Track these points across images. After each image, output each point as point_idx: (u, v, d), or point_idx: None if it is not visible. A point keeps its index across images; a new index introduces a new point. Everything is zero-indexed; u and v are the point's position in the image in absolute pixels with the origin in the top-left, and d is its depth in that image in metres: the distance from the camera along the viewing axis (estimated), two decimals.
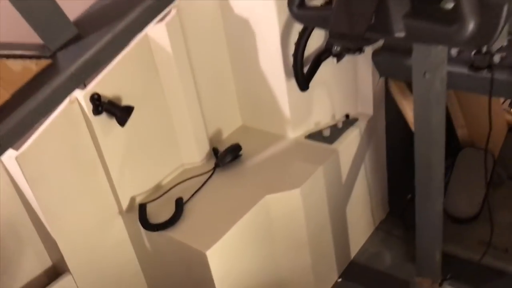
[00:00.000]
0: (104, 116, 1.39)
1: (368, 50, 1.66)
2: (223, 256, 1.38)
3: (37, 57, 1.10)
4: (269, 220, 1.51)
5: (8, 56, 1.10)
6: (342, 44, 1.27)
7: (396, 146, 1.94)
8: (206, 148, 1.70)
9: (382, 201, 2.00)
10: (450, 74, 1.23)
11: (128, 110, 1.37)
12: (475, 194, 1.90)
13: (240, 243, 1.43)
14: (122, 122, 1.37)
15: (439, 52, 1.17)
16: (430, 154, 1.33)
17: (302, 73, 1.51)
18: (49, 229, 1.38)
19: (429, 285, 1.60)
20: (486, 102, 1.98)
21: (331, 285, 1.79)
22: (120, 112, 1.36)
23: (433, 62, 1.18)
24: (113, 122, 1.41)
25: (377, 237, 1.97)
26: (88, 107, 1.36)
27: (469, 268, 1.71)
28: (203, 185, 1.59)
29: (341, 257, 1.81)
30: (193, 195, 1.55)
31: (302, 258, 1.61)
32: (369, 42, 1.11)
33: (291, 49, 1.53)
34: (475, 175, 1.94)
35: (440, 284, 1.64)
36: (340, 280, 1.81)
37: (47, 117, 1.31)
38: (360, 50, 1.31)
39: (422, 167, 1.37)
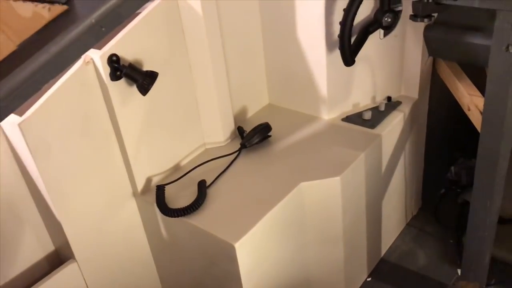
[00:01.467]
0: (122, 82, 1.20)
1: (420, 25, 1.47)
2: (252, 249, 1.21)
3: (51, 2, 0.91)
4: (303, 210, 1.33)
5: None
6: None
7: (435, 136, 1.77)
8: (231, 126, 1.52)
9: (416, 195, 1.83)
10: None
11: (152, 76, 1.18)
12: None
13: (270, 235, 1.26)
14: (144, 90, 1.18)
15: None
16: (498, 144, 1.15)
17: (350, 45, 1.32)
18: (53, 209, 1.20)
19: None
20: None
21: (360, 285, 1.62)
22: (142, 78, 1.17)
23: None
24: (133, 89, 1.22)
25: (409, 234, 1.81)
26: (105, 70, 1.16)
27: None
28: (228, 167, 1.41)
29: (372, 254, 1.64)
30: (217, 178, 1.37)
31: (335, 253, 1.44)
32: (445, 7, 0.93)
33: (337, 16, 1.34)
34: None
35: None
36: (369, 279, 1.64)
37: (57, 78, 1.11)
38: (430, 16, 1.12)
39: (485, 160, 1.19)
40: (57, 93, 1.12)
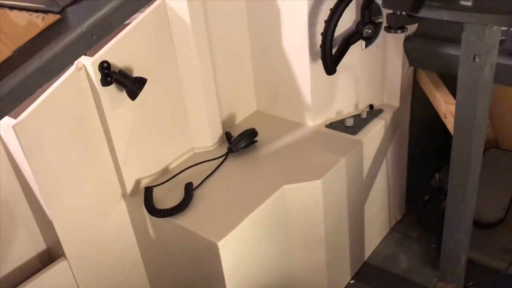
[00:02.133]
0: (113, 87, 1.26)
1: (400, 36, 1.54)
2: (235, 248, 1.26)
3: (44, 11, 0.98)
4: (285, 212, 1.39)
5: (11, 7, 0.97)
6: (395, 8, 1.14)
7: (418, 143, 1.83)
8: (219, 131, 1.58)
9: (399, 201, 1.88)
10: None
11: (141, 82, 1.24)
12: (500, 198, 1.79)
13: (254, 235, 1.31)
14: (133, 95, 1.24)
15: (494, 33, 1.05)
16: (469, 149, 1.21)
17: (331, 54, 1.38)
18: (45, 208, 1.25)
19: None
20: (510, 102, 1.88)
21: (343, 286, 1.67)
22: (131, 84, 1.23)
23: (486, 45, 1.06)
24: (123, 95, 1.28)
25: (393, 238, 1.85)
26: (96, 76, 1.23)
27: (491, 276, 1.60)
28: (214, 170, 1.46)
29: (355, 257, 1.69)
30: (203, 180, 1.42)
31: (317, 255, 1.49)
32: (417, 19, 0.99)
33: (320, 27, 1.41)
34: (501, 177, 1.83)
35: None
36: (353, 281, 1.69)
37: (51, 83, 1.18)
38: (402, 28, 1.18)
39: (458, 164, 1.25)
40: (51, 97, 1.18)
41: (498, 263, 1.62)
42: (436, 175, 2.04)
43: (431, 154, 2.00)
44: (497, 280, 1.59)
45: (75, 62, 1.21)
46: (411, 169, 1.85)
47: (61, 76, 1.20)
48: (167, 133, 1.46)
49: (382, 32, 1.54)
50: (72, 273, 1.34)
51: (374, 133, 1.56)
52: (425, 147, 1.92)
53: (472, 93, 1.13)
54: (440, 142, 2.02)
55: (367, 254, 1.77)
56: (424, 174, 2.03)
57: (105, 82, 1.23)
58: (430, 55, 1.50)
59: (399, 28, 1.18)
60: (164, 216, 1.30)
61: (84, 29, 0.99)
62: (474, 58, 1.08)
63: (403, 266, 1.74)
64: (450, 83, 1.55)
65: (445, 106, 1.42)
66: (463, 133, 1.20)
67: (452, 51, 1.44)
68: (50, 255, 1.38)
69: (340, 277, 1.64)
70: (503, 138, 1.91)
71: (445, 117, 1.44)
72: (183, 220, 1.29)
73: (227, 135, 1.58)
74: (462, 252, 1.41)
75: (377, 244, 1.82)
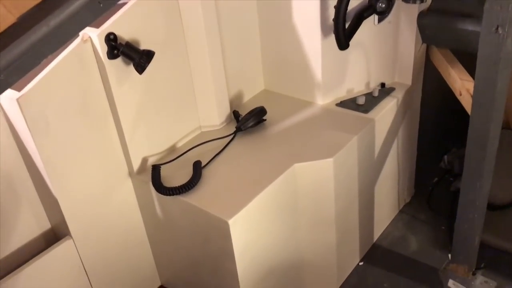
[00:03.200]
0: (119, 60, 1.22)
1: (413, 12, 1.50)
2: (246, 227, 1.23)
3: None
4: (296, 191, 1.36)
5: None
6: None
7: (430, 123, 1.79)
8: (226, 110, 1.54)
9: (408, 182, 1.85)
10: None
11: (149, 55, 1.19)
12: None
13: (264, 214, 1.28)
14: (141, 68, 1.19)
15: None
16: (487, 126, 1.18)
17: (344, 28, 1.34)
18: (50, 186, 1.21)
19: (464, 272, 1.46)
20: None
21: (352, 269, 1.64)
22: (139, 57, 1.18)
23: (509, 15, 1.02)
24: (130, 69, 1.24)
25: (402, 220, 1.83)
26: (102, 48, 1.18)
27: (503, 258, 1.57)
28: (223, 149, 1.43)
29: (364, 239, 1.66)
30: (212, 159, 1.39)
31: (327, 236, 1.46)
32: None
33: (332, 1, 1.36)
34: None
35: (473, 273, 1.50)
36: (362, 263, 1.67)
37: (55, 55, 1.13)
38: None
39: (476, 141, 1.22)
40: (56, 69, 1.13)
41: (510, 245, 1.59)
42: (445, 157, 2.01)
43: (441, 136, 1.97)
44: (510, 262, 1.56)
45: (80, 34, 1.17)
46: (420, 150, 1.82)
47: (66, 48, 1.16)
48: (174, 110, 1.42)
49: (395, 8, 1.50)
50: (78, 252, 1.31)
51: (386, 112, 1.53)
52: (435, 128, 1.88)
53: (493, 66, 1.09)
54: (450, 123, 1.99)
55: (376, 236, 1.75)
56: (433, 156, 2.00)
57: (112, 55, 1.19)
58: (444, 31, 1.46)
59: None
60: (173, 194, 1.27)
61: None
62: (496, 29, 1.04)
63: (412, 248, 1.71)
64: (464, 60, 1.51)
65: (461, 83, 1.38)
66: (482, 109, 1.16)
67: (468, 26, 1.39)
68: (55, 234, 1.35)
69: (349, 258, 1.62)
70: None
71: (460, 95, 1.40)
72: (192, 198, 1.26)
73: (235, 114, 1.54)
74: (476, 233, 1.38)
75: (386, 226, 1.80)
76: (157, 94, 1.35)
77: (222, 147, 1.43)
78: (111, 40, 1.17)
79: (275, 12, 1.52)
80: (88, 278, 1.36)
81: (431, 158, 1.96)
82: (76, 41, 1.16)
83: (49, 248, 1.27)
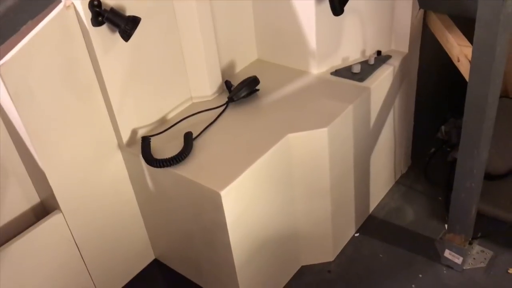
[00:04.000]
0: (105, 28, 1.17)
1: None
2: (238, 198, 1.20)
3: None
4: (290, 162, 1.33)
5: None
6: None
7: (427, 92, 1.76)
8: (218, 80, 1.50)
9: (405, 153, 1.82)
10: None
11: (135, 21, 1.15)
12: (510, 149, 1.73)
13: (257, 185, 1.25)
14: (126, 35, 1.15)
15: None
16: (486, 92, 1.14)
17: None
18: (37, 158, 1.18)
19: (460, 242, 1.45)
20: None
21: (347, 240, 1.63)
22: (124, 23, 1.14)
23: None
24: (116, 36, 1.19)
25: (398, 191, 1.81)
26: (86, 15, 1.13)
27: (500, 227, 1.56)
28: (215, 120, 1.39)
29: (360, 210, 1.64)
30: (203, 130, 1.35)
31: (323, 207, 1.44)
32: None
33: None
34: (510, 128, 1.77)
35: (470, 243, 1.49)
36: (357, 235, 1.65)
37: (37, 22, 1.08)
38: None
39: (474, 107, 1.18)
40: (37, 37, 1.09)
41: (507, 214, 1.58)
42: (442, 127, 1.98)
43: (438, 106, 1.94)
44: (506, 232, 1.55)
45: (63, 0, 1.12)
46: (417, 120, 1.79)
47: (47, 15, 1.11)
48: (163, 80, 1.37)
49: None
50: (68, 226, 1.29)
51: (382, 80, 1.49)
52: (432, 98, 1.85)
53: (492, 29, 1.05)
54: (448, 93, 1.95)
55: (372, 207, 1.73)
56: (430, 126, 1.97)
57: (96, 21, 1.14)
58: None
59: None
60: (163, 166, 1.23)
61: None
62: None
63: (408, 219, 1.70)
64: (462, 26, 1.47)
65: (459, 48, 1.34)
66: (480, 74, 1.13)
67: None
68: (44, 209, 1.32)
69: (344, 230, 1.60)
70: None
71: (458, 61, 1.36)
72: (184, 170, 1.23)
73: (227, 84, 1.50)
74: (473, 202, 1.36)
75: (382, 197, 1.78)
76: (145, 63, 1.30)
77: (214, 118, 1.40)
78: (95, 6, 1.13)
79: None
80: (79, 252, 1.34)
81: (428, 128, 1.93)
82: (59, 7, 1.11)
83: (38, 222, 1.24)
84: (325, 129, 1.30)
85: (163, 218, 1.42)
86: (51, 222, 1.25)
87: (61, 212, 1.26)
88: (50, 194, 1.25)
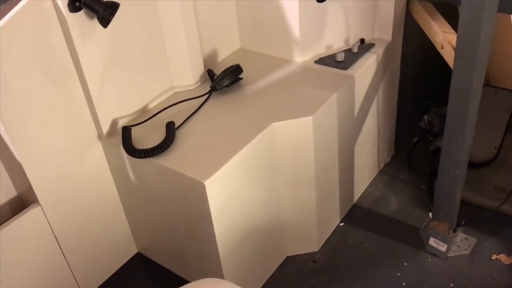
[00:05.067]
0: (82, 14, 1.13)
1: None
2: (223, 188, 1.18)
3: None
4: (274, 151, 1.31)
5: None
6: None
7: (410, 81, 1.76)
8: (200, 69, 1.47)
9: (388, 142, 1.82)
10: None
11: (113, 6, 1.11)
12: (492, 137, 1.74)
13: (242, 175, 1.23)
14: (105, 21, 1.11)
15: None
16: (470, 78, 1.14)
17: None
18: (13, 149, 1.14)
19: (444, 229, 1.45)
20: (502, 35, 1.80)
21: (332, 229, 1.62)
22: (103, 9, 1.10)
23: None
24: (94, 22, 1.15)
25: (382, 180, 1.81)
26: (62, 0, 1.09)
27: (482, 215, 1.57)
28: (198, 109, 1.37)
29: (344, 199, 1.64)
30: (186, 120, 1.33)
31: (307, 196, 1.42)
32: None
33: None
34: (492, 116, 1.78)
35: (454, 231, 1.50)
36: (342, 224, 1.65)
37: (10, 7, 1.04)
38: None
39: (458, 94, 1.18)
40: (11, 22, 1.04)
41: (490, 201, 1.59)
42: (425, 116, 1.98)
43: (421, 95, 1.94)
44: (489, 219, 1.56)
45: None
46: (400, 109, 1.79)
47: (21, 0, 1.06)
48: (144, 69, 1.34)
49: None
50: (47, 219, 1.25)
51: (366, 68, 1.48)
52: (415, 87, 1.85)
53: (477, 14, 1.04)
54: (430, 82, 1.96)
55: (356, 196, 1.72)
56: (413, 115, 1.97)
57: (73, 7, 1.10)
58: None
59: None
60: (145, 157, 1.20)
61: None
62: None
63: (392, 208, 1.70)
64: (445, 14, 1.46)
65: (443, 35, 1.33)
66: (465, 60, 1.12)
67: None
68: (22, 202, 1.28)
69: (329, 219, 1.59)
70: (495, 75, 1.85)
71: (442, 47, 1.35)
72: (166, 160, 1.20)
73: (210, 73, 1.47)
74: (457, 189, 1.37)
75: (366, 187, 1.77)
76: (125, 51, 1.27)
77: (197, 107, 1.37)
78: None
79: None
80: (59, 246, 1.30)
81: (411, 117, 1.93)
82: None
83: (15, 216, 1.20)
84: (310, 118, 1.29)
85: (145, 210, 1.39)
86: (29, 216, 1.21)
87: (40, 205, 1.22)
88: (27, 187, 1.21)
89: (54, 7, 1.11)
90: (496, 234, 1.54)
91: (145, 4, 1.27)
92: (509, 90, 1.85)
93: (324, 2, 1.40)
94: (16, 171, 1.20)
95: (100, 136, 1.31)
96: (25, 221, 1.21)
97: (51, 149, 1.21)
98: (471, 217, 1.55)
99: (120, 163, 1.31)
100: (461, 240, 1.52)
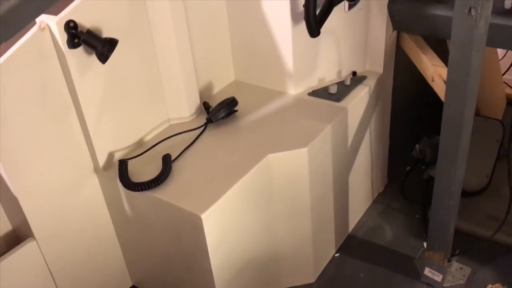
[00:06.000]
0: (81, 50, 1.15)
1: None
2: (219, 221, 1.18)
3: None
4: (270, 183, 1.32)
5: None
6: None
7: (401, 112, 1.78)
8: (196, 101, 1.49)
9: (381, 171, 1.84)
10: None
11: (112, 43, 1.13)
12: (483, 166, 1.77)
13: (238, 207, 1.24)
14: (103, 57, 1.13)
15: None
16: (462, 110, 1.17)
17: (315, 14, 1.31)
18: (9, 183, 1.14)
19: (440, 259, 1.45)
20: (490, 67, 1.85)
21: (328, 260, 1.62)
22: (101, 45, 1.12)
23: None
24: (92, 58, 1.17)
25: (376, 210, 1.82)
26: (62, 37, 1.11)
27: (476, 243, 1.58)
28: (194, 141, 1.38)
29: (339, 230, 1.64)
30: (182, 152, 1.33)
31: (303, 227, 1.43)
32: None
33: None
34: (483, 145, 1.81)
35: (449, 260, 1.50)
36: (337, 255, 1.64)
37: (11, 43, 1.06)
38: None
39: (450, 126, 1.21)
40: (11, 59, 1.06)
41: (483, 230, 1.60)
42: (417, 145, 2.00)
43: (412, 124, 1.97)
44: (483, 248, 1.57)
45: (37, 21, 1.10)
46: (392, 139, 1.81)
47: (21, 37, 1.08)
48: (141, 102, 1.36)
49: None
50: (42, 253, 1.24)
51: (359, 100, 1.50)
52: (406, 117, 1.88)
53: (467, 49, 1.07)
54: (421, 112, 1.99)
55: (351, 226, 1.73)
56: (405, 145, 1.99)
57: (72, 43, 1.12)
58: (415, 17, 1.45)
59: None
60: (142, 190, 1.21)
61: None
62: (469, 11, 1.02)
63: (387, 237, 1.70)
64: (434, 46, 1.50)
65: (433, 68, 1.37)
66: (456, 93, 1.15)
67: (438, 11, 1.38)
68: (17, 237, 1.27)
69: (325, 250, 1.59)
70: (484, 105, 1.89)
71: (433, 80, 1.39)
72: (163, 193, 1.20)
73: (205, 105, 1.49)
74: (452, 219, 1.38)
75: (360, 216, 1.78)
76: (122, 85, 1.29)
77: (193, 139, 1.38)
78: (71, 28, 1.11)
79: (244, 0, 1.47)
80: (54, 280, 1.29)
81: (403, 146, 1.95)
82: (33, 29, 1.09)
83: (10, 251, 1.19)
84: (304, 149, 1.30)
85: (141, 243, 1.38)
86: (24, 251, 1.20)
87: (35, 239, 1.21)
88: (23, 221, 1.20)
89: (53, 43, 1.13)
90: (491, 263, 1.55)
91: (142, 39, 1.30)
92: (498, 119, 1.89)
93: None
94: (11, 205, 1.20)
95: (96, 169, 1.31)
96: (20, 255, 1.19)
97: (48, 183, 1.21)
98: (465, 246, 1.56)
99: (116, 196, 1.31)
100: (456, 270, 1.52)
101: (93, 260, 1.38)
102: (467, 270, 1.52)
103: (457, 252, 1.54)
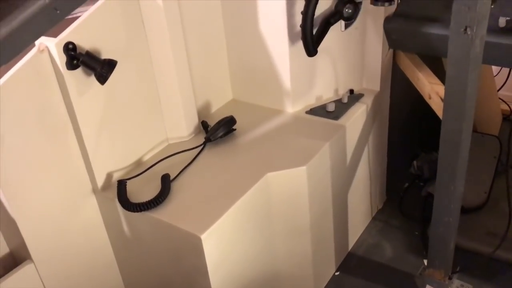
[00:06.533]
0: (79, 71, 1.15)
1: (379, 18, 1.50)
2: (219, 241, 1.18)
3: None
4: (270, 202, 1.31)
5: None
6: None
7: (398, 128, 1.79)
8: (194, 121, 1.49)
9: (380, 188, 1.84)
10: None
11: (111, 64, 1.14)
12: (482, 182, 1.77)
13: (238, 227, 1.23)
14: (103, 78, 1.13)
15: (485, 3, 1.01)
16: (460, 127, 1.17)
17: (312, 34, 1.32)
18: (7, 206, 1.13)
19: (440, 277, 1.45)
20: (486, 83, 1.87)
21: (328, 279, 1.61)
22: (100, 66, 1.12)
23: (477, 15, 1.01)
24: (91, 79, 1.18)
25: (375, 227, 1.81)
26: (61, 59, 1.12)
27: (477, 260, 1.57)
28: (192, 161, 1.37)
29: (339, 248, 1.63)
30: (181, 172, 1.33)
31: (303, 246, 1.42)
32: None
33: (299, 7, 1.34)
34: (481, 161, 1.82)
35: (450, 278, 1.49)
36: (338, 273, 1.63)
37: (9, 66, 1.06)
38: (390, 0, 1.12)
39: (448, 143, 1.21)
40: (10, 81, 1.06)
41: (483, 247, 1.60)
42: (415, 162, 2.01)
43: (410, 141, 1.98)
44: (483, 265, 1.56)
45: (37, 43, 1.10)
46: (390, 156, 1.82)
47: (20, 59, 1.09)
48: (139, 122, 1.36)
49: (362, 14, 1.49)
50: (40, 277, 1.22)
51: (356, 118, 1.51)
52: (403, 134, 1.89)
53: (463, 67, 1.08)
54: (418, 129, 2.00)
55: (351, 244, 1.72)
56: (403, 162, 2.00)
57: (71, 65, 1.12)
58: (411, 36, 1.46)
59: (386, 1, 1.12)
60: (141, 210, 1.20)
61: (47, 1, 0.89)
62: (465, 30, 1.03)
63: (387, 255, 1.70)
64: (431, 65, 1.52)
65: (430, 86, 1.38)
66: (453, 110, 1.16)
67: (434, 30, 1.40)
68: (14, 259, 1.25)
69: (325, 268, 1.58)
70: (481, 122, 1.90)
71: (430, 98, 1.40)
72: (162, 214, 1.20)
73: (204, 124, 1.50)
74: (451, 236, 1.37)
75: (360, 234, 1.78)
76: (120, 106, 1.29)
77: (191, 159, 1.38)
78: (70, 50, 1.11)
79: (241, 20, 1.49)
80: None
81: (400, 163, 1.96)
82: (32, 51, 1.10)
83: (8, 274, 1.18)
84: (304, 167, 1.30)
85: (139, 264, 1.37)
86: (22, 273, 1.18)
87: (33, 262, 1.20)
88: (20, 243, 1.19)
89: (52, 64, 1.13)
90: (491, 280, 1.54)
91: (141, 60, 1.30)
92: (495, 135, 1.90)
93: None
94: (9, 227, 1.19)
95: (94, 190, 1.30)
96: (18, 278, 1.18)
97: (46, 205, 1.20)
98: (465, 263, 1.55)
99: (114, 216, 1.30)
100: (457, 287, 1.51)
101: (91, 281, 1.37)
102: (468, 287, 1.51)
103: (457, 269, 1.53)
